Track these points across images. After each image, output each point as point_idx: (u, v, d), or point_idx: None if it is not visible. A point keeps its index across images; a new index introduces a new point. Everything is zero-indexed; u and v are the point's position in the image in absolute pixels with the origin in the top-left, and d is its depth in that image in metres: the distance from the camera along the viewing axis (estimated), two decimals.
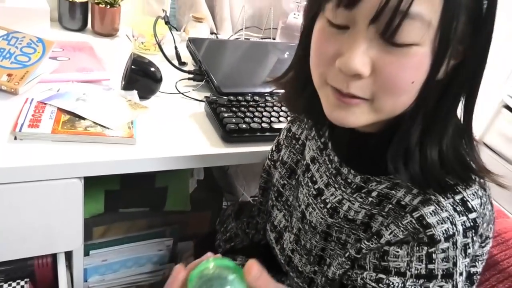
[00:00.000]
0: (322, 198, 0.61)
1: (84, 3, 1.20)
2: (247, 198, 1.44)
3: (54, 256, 0.82)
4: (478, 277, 0.57)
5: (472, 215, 0.49)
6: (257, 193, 0.82)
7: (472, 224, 0.48)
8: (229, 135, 0.81)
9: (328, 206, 0.60)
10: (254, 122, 0.85)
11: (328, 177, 0.61)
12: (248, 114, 0.87)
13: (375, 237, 0.54)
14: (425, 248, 0.49)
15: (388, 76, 0.44)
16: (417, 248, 0.49)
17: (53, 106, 0.79)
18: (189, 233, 1.20)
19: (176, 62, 1.08)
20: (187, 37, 1.16)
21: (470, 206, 0.49)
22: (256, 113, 0.88)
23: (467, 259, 0.49)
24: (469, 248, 0.49)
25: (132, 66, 0.89)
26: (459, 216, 0.48)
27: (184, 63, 1.11)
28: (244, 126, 0.83)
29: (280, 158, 0.73)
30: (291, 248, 0.68)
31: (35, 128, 0.72)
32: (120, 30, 1.26)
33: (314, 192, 0.63)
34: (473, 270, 0.56)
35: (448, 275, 0.49)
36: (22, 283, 0.78)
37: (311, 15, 0.50)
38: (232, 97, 0.91)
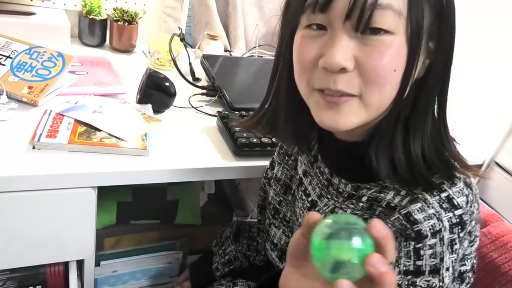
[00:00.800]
0: (316, 209, 0.62)
1: (103, 20, 1.24)
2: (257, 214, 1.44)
3: (66, 265, 0.84)
4: (469, 274, 0.58)
5: (458, 212, 0.50)
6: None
7: (458, 220, 0.50)
8: (240, 149, 0.83)
9: (322, 216, 0.60)
10: (265, 137, 0.86)
11: (321, 188, 0.63)
12: None
13: None
14: (413, 243, 0.50)
15: (371, 66, 0.45)
16: (405, 243, 0.50)
17: (71, 117, 0.81)
18: (199, 247, 1.20)
19: (190, 78, 1.11)
20: (202, 54, 1.19)
21: (455, 203, 0.50)
22: None
23: (454, 255, 0.50)
24: (456, 244, 0.50)
25: (147, 81, 0.91)
26: (445, 213, 0.49)
27: (198, 79, 1.14)
28: (255, 140, 0.84)
29: (274, 175, 0.74)
30: None
31: (53, 138, 0.74)
32: (137, 47, 1.30)
33: (308, 205, 0.64)
34: (463, 268, 0.57)
35: (435, 271, 0.50)
36: None
37: (288, 34, 0.52)
38: (244, 112, 0.93)
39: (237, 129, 0.86)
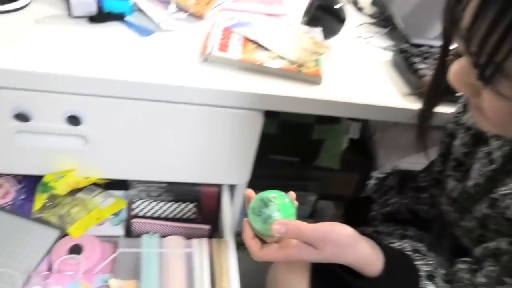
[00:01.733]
0: (494, 184, 0.52)
1: None
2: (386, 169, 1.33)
3: (219, 187, 0.82)
4: None
5: None
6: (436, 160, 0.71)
7: None
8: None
9: (493, 196, 0.51)
10: None
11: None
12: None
13: None
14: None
15: (485, 107, 0.40)
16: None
17: (239, 33, 0.75)
18: (332, 193, 1.14)
19: (353, 6, 0.99)
20: None
21: None
22: None
23: None
24: None
25: (319, 2, 0.81)
26: None
27: (361, 8, 1.01)
28: None
29: (465, 121, 0.62)
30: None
31: (224, 53, 0.69)
32: None
33: (491, 174, 0.53)
34: None
35: None
36: (189, 206, 0.79)
37: None
38: (425, 48, 0.79)
39: (421, 66, 0.73)
